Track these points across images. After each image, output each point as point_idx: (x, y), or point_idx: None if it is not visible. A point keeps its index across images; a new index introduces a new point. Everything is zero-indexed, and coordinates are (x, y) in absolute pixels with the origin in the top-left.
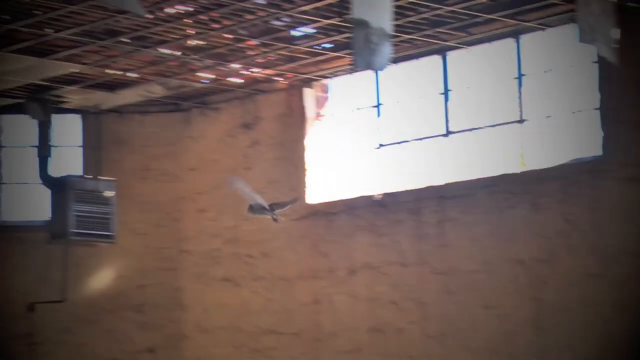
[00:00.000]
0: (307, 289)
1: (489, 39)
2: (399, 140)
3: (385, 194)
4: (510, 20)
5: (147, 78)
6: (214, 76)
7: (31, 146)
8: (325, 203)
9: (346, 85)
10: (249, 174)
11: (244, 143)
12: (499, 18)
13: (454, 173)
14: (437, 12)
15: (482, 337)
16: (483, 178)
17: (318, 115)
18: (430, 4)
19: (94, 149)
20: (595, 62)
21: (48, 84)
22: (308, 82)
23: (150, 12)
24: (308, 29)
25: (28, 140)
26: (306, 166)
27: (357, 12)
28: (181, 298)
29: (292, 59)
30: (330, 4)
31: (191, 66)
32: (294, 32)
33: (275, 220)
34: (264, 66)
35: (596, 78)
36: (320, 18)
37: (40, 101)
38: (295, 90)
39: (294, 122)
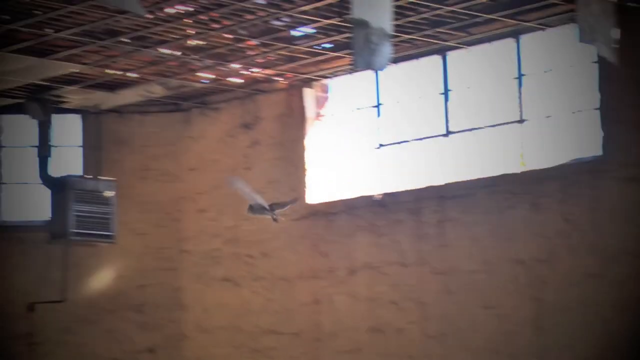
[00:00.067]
0: (307, 289)
1: (489, 39)
2: (399, 140)
3: (385, 194)
4: (510, 20)
5: (147, 78)
6: (214, 76)
7: (31, 146)
8: (325, 203)
9: (346, 85)
10: (249, 174)
11: (244, 143)
12: (499, 18)
13: (454, 173)
14: (437, 12)
15: (482, 337)
16: (483, 178)
17: (318, 115)
18: (430, 4)
19: (94, 149)
20: (595, 62)
21: (48, 84)
22: (308, 82)
23: (150, 12)
24: (308, 29)
25: (28, 140)
26: (306, 166)
27: (357, 12)
28: (181, 298)
29: (292, 59)
30: (330, 4)
31: (191, 66)
32: (294, 32)
33: (275, 220)
34: (264, 66)
35: (596, 78)
36: (320, 18)
37: (41, 101)
38: (295, 90)
39: (294, 122)
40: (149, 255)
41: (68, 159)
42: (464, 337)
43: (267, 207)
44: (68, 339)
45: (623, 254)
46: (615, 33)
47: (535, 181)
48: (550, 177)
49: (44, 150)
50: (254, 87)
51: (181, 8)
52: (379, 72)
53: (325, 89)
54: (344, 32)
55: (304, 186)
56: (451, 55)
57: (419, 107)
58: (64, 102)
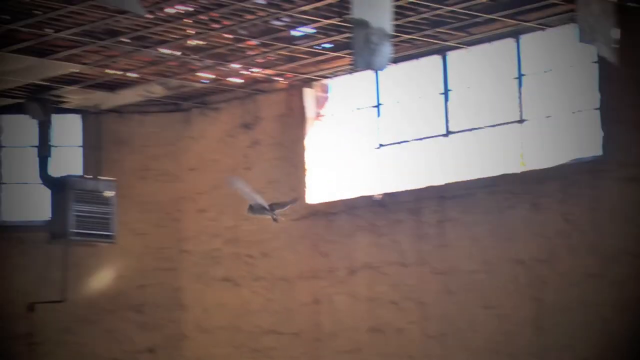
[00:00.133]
0: (307, 289)
1: (489, 39)
2: (399, 140)
3: (385, 194)
4: (510, 20)
5: (147, 78)
6: (214, 76)
7: (31, 146)
8: (325, 203)
9: (346, 85)
10: (249, 174)
11: (244, 143)
12: (499, 18)
13: (454, 173)
14: (437, 12)
15: (482, 337)
16: (483, 178)
17: (318, 115)
18: (430, 4)
19: (94, 149)
20: (595, 62)
21: (48, 84)
22: (308, 82)
23: (150, 12)
24: (308, 29)
25: (28, 140)
26: (306, 166)
27: (357, 12)
28: (181, 298)
29: (292, 59)
30: (330, 4)
31: (191, 66)
32: (294, 32)
33: (275, 220)
34: (264, 66)
35: (596, 78)
36: (320, 18)
37: (40, 101)
38: (295, 90)
39: (294, 122)
40: (149, 255)
41: (68, 159)
42: (464, 337)
43: (267, 207)
44: (68, 339)
45: (623, 254)
46: (615, 33)
47: (535, 181)
48: (550, 177)
49: (44, 150)
50: (254, 87)
51: (181, 8)
52: (379, 72)
53: (325, 89)
54: (344, 32)
55: (304, 186)
56: (451, 55)
57: (419, 107)
58: (64, 102)
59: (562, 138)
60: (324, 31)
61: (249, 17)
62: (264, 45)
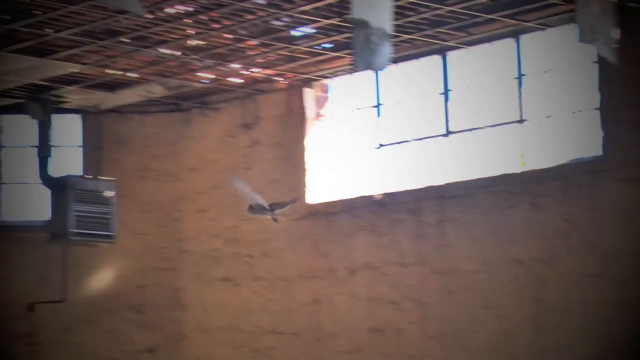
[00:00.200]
0: (307, 289)
1: (489, 39)
2: (399, 140)
3: (385, 194)
4: (510, 20)
5: (147, 78)
6: (214, 76)
7: (31, 146)
8: (325, 203)
9: (346, 85)
10: (249, 174)
11: (244, 143)
12: (499, 18)
13: (454, 173)
14: (437, 12)
15: (482, 337)
16: (483, 178)
17: (318, 115)
18: (430, 4)
19: (94, 149)
20: (595, 62)
21: (48, 84)
22: (308, 82)
23: (150, 12)
24: (308, 29)
25: (28, 140)
26: (306, 166)
27: (357, 12)
28: (181, 298)
29: (292, 59)
30: (330, 4)
31: (191, 66)
32: (294, 32)
33: (275, 220)
34: (264, 66)
35: (596, 78)
36: (320, 18)
37: (40, 101)
38: (295, 90)
39: (294, 122)
40: (149, 255)
41: (68, 159)
42: (463, 337)
43: (267, 207)
44: (68, 339)
45: (623, 254)
46: (615, 33)
47: (535, 181)
48: (550, 177)
49: (44, 150)
50: (254, 87)
51: (181, 8)
52: (379, 72)
53: (325, 89)
54: (344, 32)
55: (304, 186)
56: (451, 55)
57: (419, 107)
58: (64, 102)
59: (562, 138)
60: (324, 31)
61: (249, 17)
62: (264, 45)
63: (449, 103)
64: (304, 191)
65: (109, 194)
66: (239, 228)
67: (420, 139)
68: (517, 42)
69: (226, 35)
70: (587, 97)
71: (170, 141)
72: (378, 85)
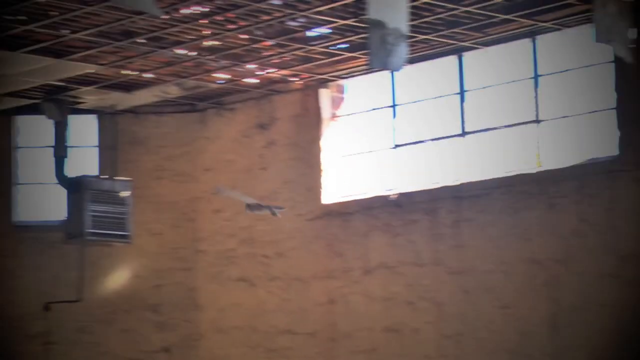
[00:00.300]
0: (322, 289)
1: (505, 39)
2: (415, 141)
3: (401, 194)
4: (526, 21)
5: (163, 79)
6: (229, 77)
7: (47, 146)
8: (341, 203)
9: (362, 86)
10: (264, 174)
11: (259, 143)
12: (515, 18)
13: (469, 173)
14: (453, 12)
15: (497, 337)
16: (499, 178)
17: (334, 115)
18: (446, 4)
19: (110, 149)
20: (612, 62)
21: (64, 84)
22: (324, 83)
23: (166, 13)
24: (324, 30)
25: (44, 140)
26: (322, 166)
27: (373, 12)
28: (197, 298)
29: (307, 60)
30: (346, 5)
31: (207, 67)
32: (309, 33)
33: (274, 214)
34: (279, 67)
35: (613, 78)
36: (336, 19)
37: (57, 102)
38: (310, 90)
39: (310, 122)
40: (164, 255)
41: (84, 159)
42: (479, 337)
43: (263, 204)
44: (84, 339)
45: (639, 254)
46: (632, 33)
47: (551, 181)
48: (566, 177)
49: (60, 150)
50: (269, 88)
51: (197, 9)
52: (395, 72)
53: (341, 90)
54: (360, 33)
55: (320, 186)
56: (467, 55)
57: (434, 107)
58: (80, 102)
59: (579, 138)
60: (340, 32)
61: (265, 17)
62: (279, 45)
63: (465, 103)
64: (319, 191)
65: (124, 194)
66: (254, 228)
67: (436, 139)
68: (534, 42)
69: (242, 36)
70: (604, 97)
71: (185, 141)
72: (394, 86)
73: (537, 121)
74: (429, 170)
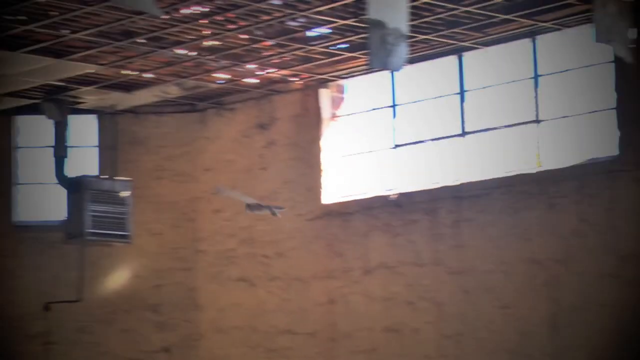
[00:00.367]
0: (322, 289)
1: (505, 39)
2: (415, 141)
3: (401, 194)
4: (526, 21)
5: (163, 79)
6: (229, 77)
7: (47, 146)
8: (341, 203)
9: (362, 86)
10: (264, 174)
11: (259, 143)
12: (515, 18)
13: (469, 173)
14: (453, 12)
15: (497, 337)
16: (499, 178)
17: (334, 115)
18: (446, 4)
19: (110, 149)
20: (612, 62)
21: (64, 84)
22: (324, 83)
23: (166, 13)
24: (324, 30)
25: (44, 140)
26: (322, 166)
27: (373, 12)
28: (197, 298)
29: (307, 60)
30: (346, 5)
31: (207, 67)
32: (309, 33)
33: (274, 214)
34: (279, 67)
35: (613, 78)
36: (336, 19)
37: (57, 101)
38: (310, 90)
39: (310, 122)
40: (164, 255)
41: (84, 159)
42: (479, 337)
43: (263, 204)
44: (84, 339)
45: (639, 254)
46: (632, 33)
47: (551, 181)
48: (566, 177)
49: (60, 150)
50: (269, 88)
51: (197, 9)
52: (395, 72)
53: (340, 90)
54: (360, 33)
55: (320, 186)
56: (467, 55)
57: (434, 107)
58: (80, 102)
59: (579, 138)
60: (340, 32)
61: (265, 17)
62: (279, 45)
63: (464, 103)
64: (319, 191)
65: (124, 194)
66: (254, 228)
67: (436, 139)
68: (534, 42)
69: (242, 36)
70: (604, 97)
71: (185, 141)
72: (394, 86)
73: (537, 121)
74: (429, 170)
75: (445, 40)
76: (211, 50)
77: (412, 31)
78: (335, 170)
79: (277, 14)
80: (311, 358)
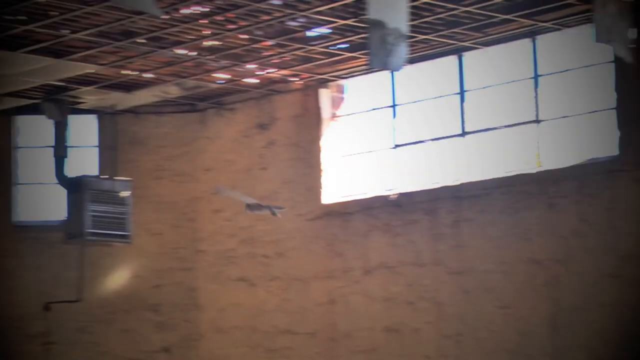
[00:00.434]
0: (323, 289)
1: (505, 39)
2: (415, 141)
3: (401, 194)
4: (526, 21)
5: (163, 79)
6: (229, 77)
7: (47, 146)
8: (341, 203)
9: (362, 86)
10: (264, 174)
11: (259, 143)
12: (515, 18)
13: (469, 173)
14: (453, 12)
15: (497, 337)
16: (499, 178)
17: (334, 115)
18: (446, 4)
19: (110, 149)
20: (612, 62)
21: (64, 84)
22: (324, 83)
23: (166, 13)
24: (324, 30)
25: (44, 140)
26: (322, 166)
27: (373, 12)
28: (197, 298)
29: (307, 60)
30: (346, 5)
31: (207, 67)
32: (309, 33)
33: (274, 214)
34: (279, 67)
35: (613, 78)
36: (336, 19)
37: (57, 102)
38: (310, 90)
39: (310, 122)
40: (164, 255)
41: (84, 159)
42: (479, 337)
43: (263, 204)
44: (84, 339)
45: (639, 254)
46: (632, 33)
47: (551, 181)
48: (566, 177)
49: (60, 150)
50: (269, 88)
51: (197, 9)
52: (395, 72)
53: (340, 90)
54: (360, 33)
55: (320, 186)
56: (467, 55)
57: (434, 108)
58: (80, 102)
59: (579, 138)
60: (340, 32)
61: (265, 17)
62: (279, 45)
63: (464, 103)
64: (319, 191)
65: (124, 194)
66: (254, 228)
67: (436, 139)
68: (534, 42)
69: (242, 36)
70: (604, 97)
71: (185, 141)
72: (394, 86)
73: (537, 121)
74: (429, 170)
75: (445, 40)
76: (211, 50)
77: (412, 31)
78: (335, 170)
79: (277, 14)
80: (311, 358)
